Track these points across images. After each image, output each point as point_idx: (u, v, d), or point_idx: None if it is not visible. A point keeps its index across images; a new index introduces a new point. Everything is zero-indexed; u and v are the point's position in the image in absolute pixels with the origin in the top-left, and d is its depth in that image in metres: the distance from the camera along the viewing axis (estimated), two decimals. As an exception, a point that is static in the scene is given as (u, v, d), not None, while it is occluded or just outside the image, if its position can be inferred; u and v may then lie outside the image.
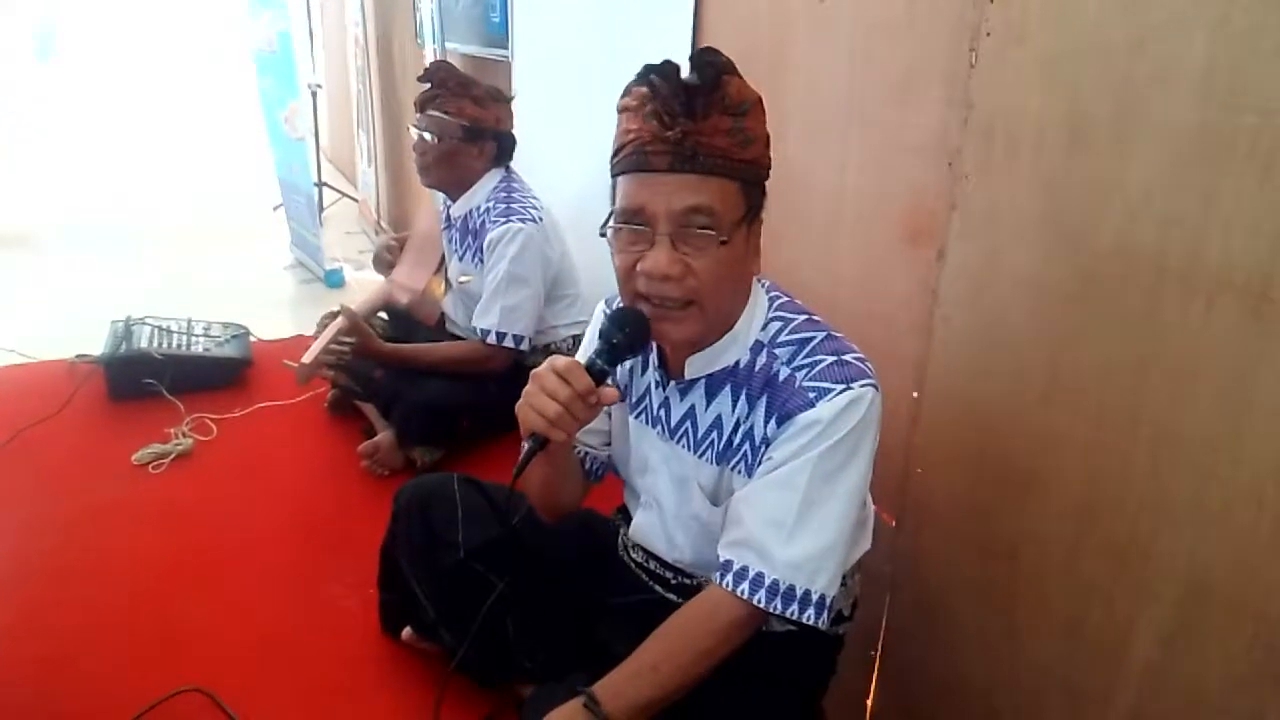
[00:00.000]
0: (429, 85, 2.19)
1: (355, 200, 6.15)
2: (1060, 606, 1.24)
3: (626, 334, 1.13)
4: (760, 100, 1.11)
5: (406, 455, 2.21)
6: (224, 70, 10.88)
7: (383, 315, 2.60)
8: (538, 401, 1.11)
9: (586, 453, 1.40)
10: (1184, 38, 1.00)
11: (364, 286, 4.06)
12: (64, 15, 13.81)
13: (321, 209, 5.77)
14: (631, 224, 1.09)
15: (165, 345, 2.64)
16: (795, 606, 1.11)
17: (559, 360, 1.13)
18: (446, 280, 2.45)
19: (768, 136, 1.14)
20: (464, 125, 2.18)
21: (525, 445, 1.13)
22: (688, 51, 2.03)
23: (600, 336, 1.15)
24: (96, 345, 2.68)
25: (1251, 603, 0.99)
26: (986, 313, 1.32)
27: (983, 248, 1.31)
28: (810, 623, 1.12)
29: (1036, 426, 1.25)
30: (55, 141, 7.93)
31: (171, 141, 8.41)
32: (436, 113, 2.17)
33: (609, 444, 1.40)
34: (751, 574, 1.12)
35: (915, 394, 1.47)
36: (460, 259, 2.32)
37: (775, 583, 1.11)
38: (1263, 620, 0.98)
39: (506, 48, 3.06)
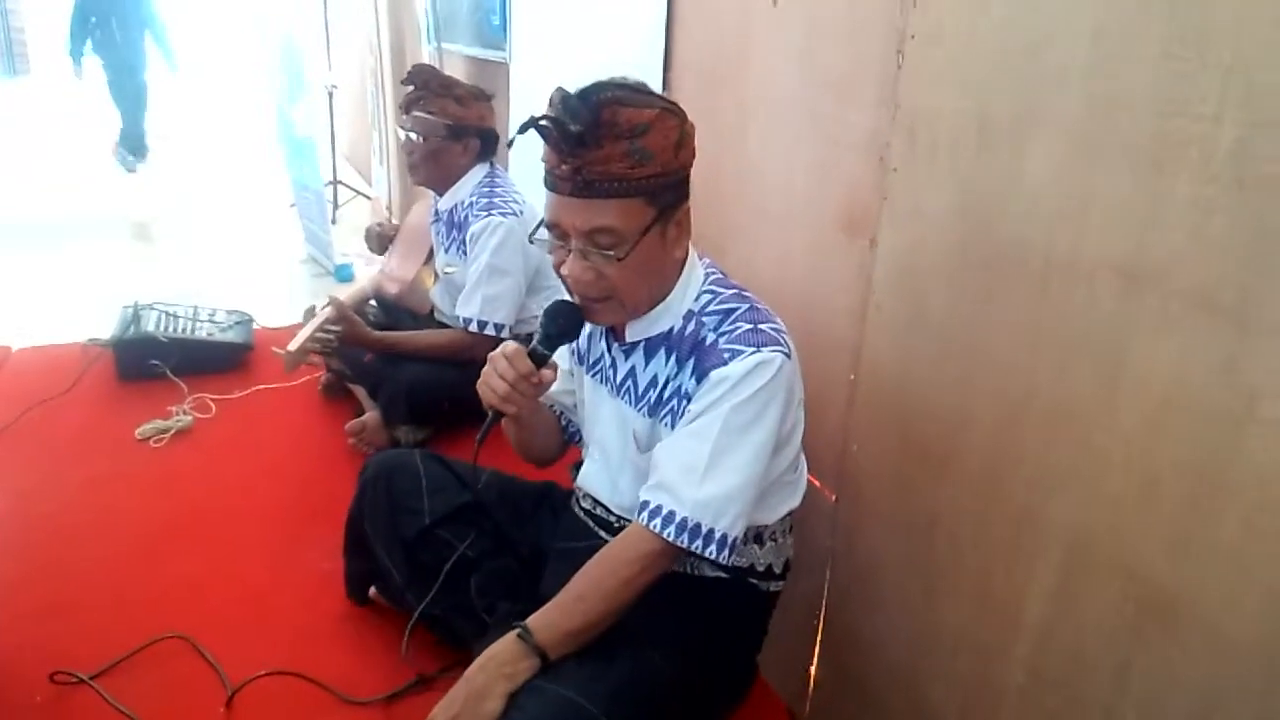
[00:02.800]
0: (412, 87, 2.30)
1: (369, 199, 6.30)
2: (971, 573, 1.33)
3: (559, 325, 1.31)
4: (661, 114, 1.23)
5: (391, 434, 2.32)
6: (244, 71, 11.10)
7: (373, 304, 2.72)
8: (491, 381, 1.29)
9: (565, 415, 1.58)
10: (1070, 45, 1.10)
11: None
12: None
13: (336, 206, 5.93)
14: (552, 236, 1.27)
15: (171, 329, 2.77)
16: (700, 542, 1.24)
17: (509, 346, 1.30)
18: (435, 271, 2.56)
19: (679, 142, 1.25)
20: (447, 124, 2.29)
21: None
22: (662, 54, 2.15)
23: (540, 327, 1.31)
24: (109, 331, 2.81)
25: (1122, 561, 1.08)
26: (912, 299, 1.41)
27: (908, 238, 1.41)
28: (713, 558, 1.25)
29: (952, 406, 1.34)
30: (79, 135, 8.14)
31: (193, 138, 8.61)
32: (421, 113, 2.28)
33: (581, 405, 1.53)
34: (664, 512, 1.25)
35: (852, 376, 1.56)
36: (446, 251, 2.44)
37: (684, 520, 1.24)
38: (1131, 577, 1.07)
39: (505, 49, 3.18)
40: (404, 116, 2.33)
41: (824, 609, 1.70)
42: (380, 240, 2.90)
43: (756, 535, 1.43)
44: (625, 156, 1.19)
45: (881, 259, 1.47)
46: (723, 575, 1.42)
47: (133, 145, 7.31)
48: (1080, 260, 1.10)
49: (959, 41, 1.26)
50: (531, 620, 1.24)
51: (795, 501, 1.46)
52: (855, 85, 1.49)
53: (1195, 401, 0.99)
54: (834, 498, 1.64)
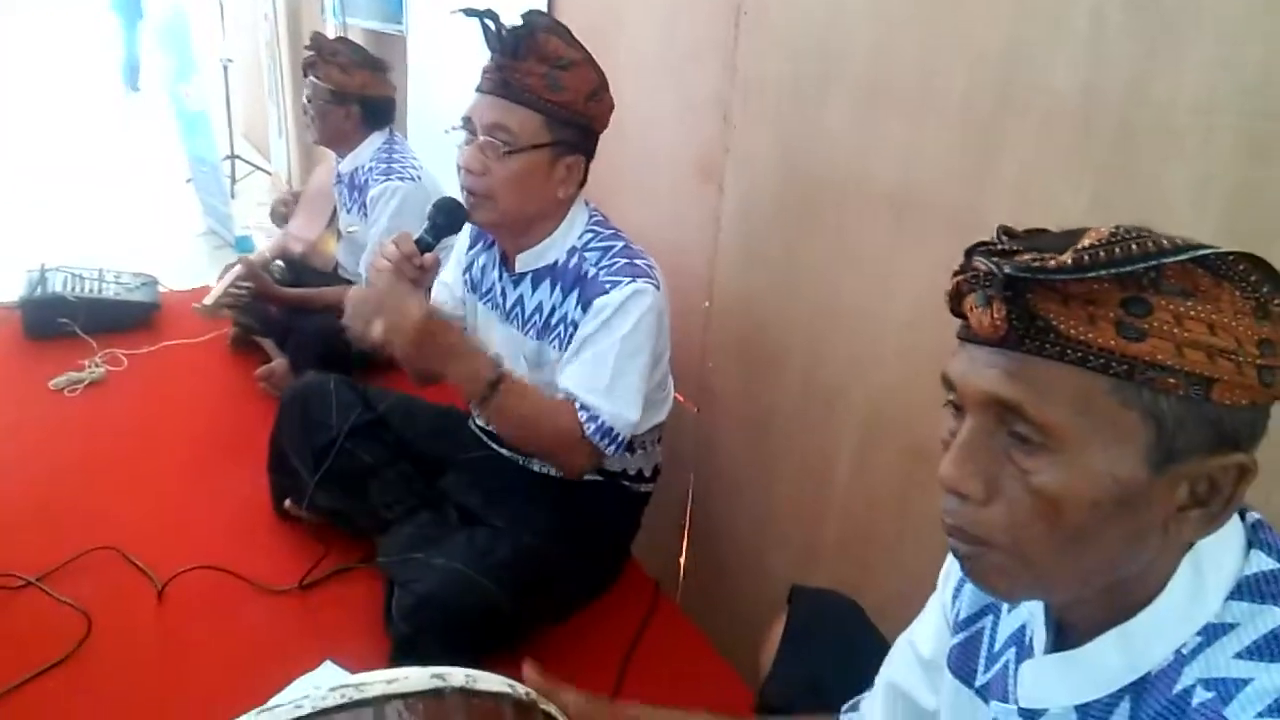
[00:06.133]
0: (309, 53, 2.48)
1: (269, 173, 6.30)
2: (795, 457, 1.62)
3: (445, 215, 1.50)
4: (586, 63, 1.46)
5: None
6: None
7: (279, 264, 2.87)
8: (376, 262, 1.46)
9: None
10: (857, 17, 1.38)
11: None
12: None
13: (234, 181, 5.93)
14: (465, 129, 1.49)
15: (78, 290, 2.86)
16: (606, 441, 1.46)
17: (398, 234, 1.48)
18: (338, 231, 2.73)
19: (593, 94, 1.47)
20: (330, 89, 2.47)
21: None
22: None
23: (427, 218, 1.50)
24: (12, 295, 2.88)
25: (900, 423, 1.38)
26: (749, 233, 1.69)
27: (745, 182, 1.68)
28: (611, 454, 1.49)
29: (779, 317, 1.62)
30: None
31: (81, 117, 8.37)
32: (310, 77, 2.47)
33: (466, 329, 1.73)
34: (590, 409, 1.46)
35: (706, 304, 1.83)
36: (349, 212, 2.61)
37: (604, 422, 1.46)
38: (906, 434, 1.37)
39: (402, 23, 3.34)
40: (305, 80, 2.50)
41: (690, 506, 1.98)
42: (285, 216, 3.05)
43: (629, 444, 1.68)
44: (543, 77, 1.42)
45: (727, 201, 1.74)
46: (598, 479, 1.66)
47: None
48: (866, 191, 1.39)
49: (781, 14, 1.53)
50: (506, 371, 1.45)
51: (661, 416, 1.69)
52: (704, 52, 1.75)
53: (940, 303, 1.28)
54: (696, 409, 1.91)
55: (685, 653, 1.63)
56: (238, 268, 2.44)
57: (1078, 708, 0.67)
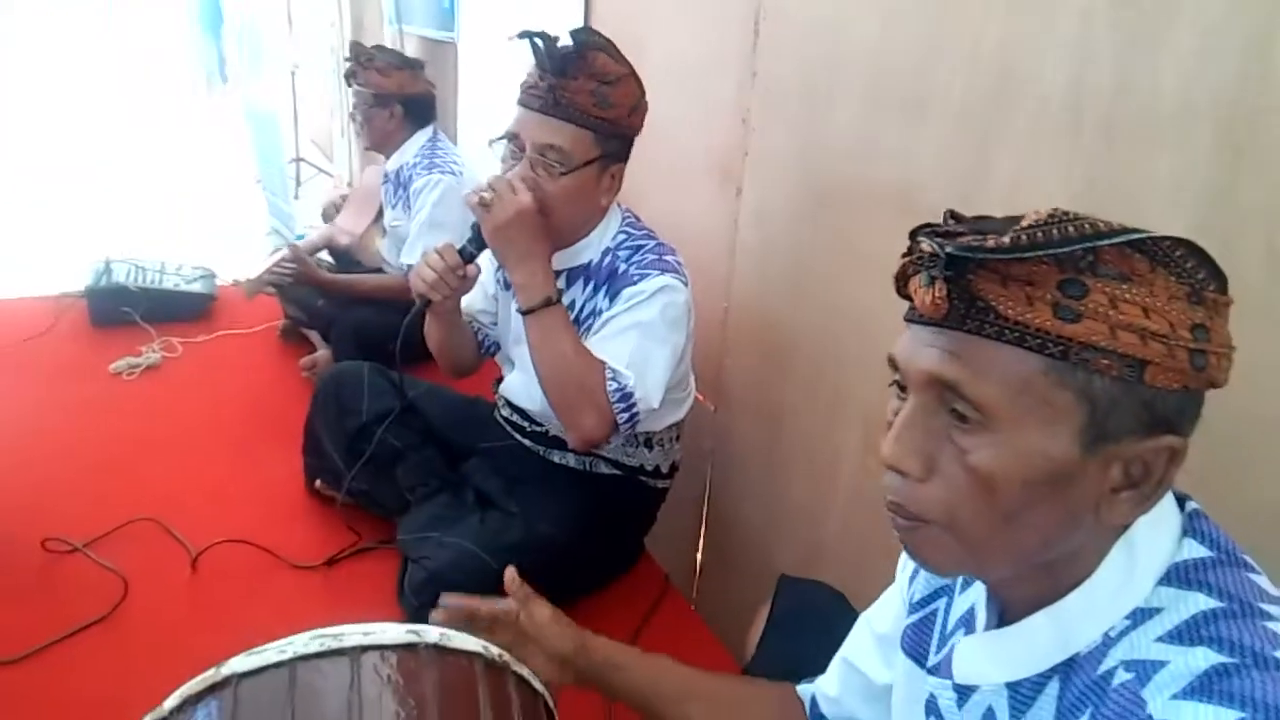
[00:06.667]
0: (349, 63, 2.60)
1: (331, 175, 6.51)
2: (804, 454, 1.65)
3: None
4: (631, 77, 1.51)
5: (341, 370, 2.60)
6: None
7: (329, 259, 2.99)
8: (422, 270, 1.53)
9: (480, 329, 1.80)
10: (863, 26, 1.41)
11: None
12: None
13: (299, 183, 6.15)
14: (510, 145, 1.52)
15: (140, 280, 3.02)
16: (626, 411, 1.48)
17: (441, 244, 1.54)
18: (383, 228, 2.84)
19: (635, 106, 1.52)
20: (373, 94, 2.59)
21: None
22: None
23: (470, 229, 1.55)
24: (80, 284, 3.05)
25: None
26: (765, 234, 1.73)
27: (762, 184, 1.72)
28: (623, 427, 1.51)
29: (790, 317, 1.66)
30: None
31: (163, 117, 8.74)
32: (354, 85, 2.59)
33: (496, 324, 1.80)
34: (611, 371, 1.48)
35: (725, 304, 1.87)
36: (393, 208, 2.71)
37: (624, 385, 1.47)
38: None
39: (453, 30, 3.45)
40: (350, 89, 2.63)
41: (706, 503, 2.01)
42: (336, 216, 3.20)
43: (646, 440, 1.72)
44: (591, 94, 1.46)
45: (744, 203, 1.77)
46: (617, 473, 1.71)
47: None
48: (873, 192, 1.42)
49: (798, 16, 1.57)
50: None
51: (679, 415, 1.73)
52: (726, 57, 1.79)
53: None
54: (713, 408, 1.95)
55: (689, 644, 1.66)
56: (284, 250, 2.58)
57: (1009, 685, 0.69)
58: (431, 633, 0.88)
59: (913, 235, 0.66)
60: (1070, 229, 0.57)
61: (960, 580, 0.80)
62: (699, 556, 2.05)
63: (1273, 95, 0.87)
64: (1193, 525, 0.65)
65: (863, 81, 1.42)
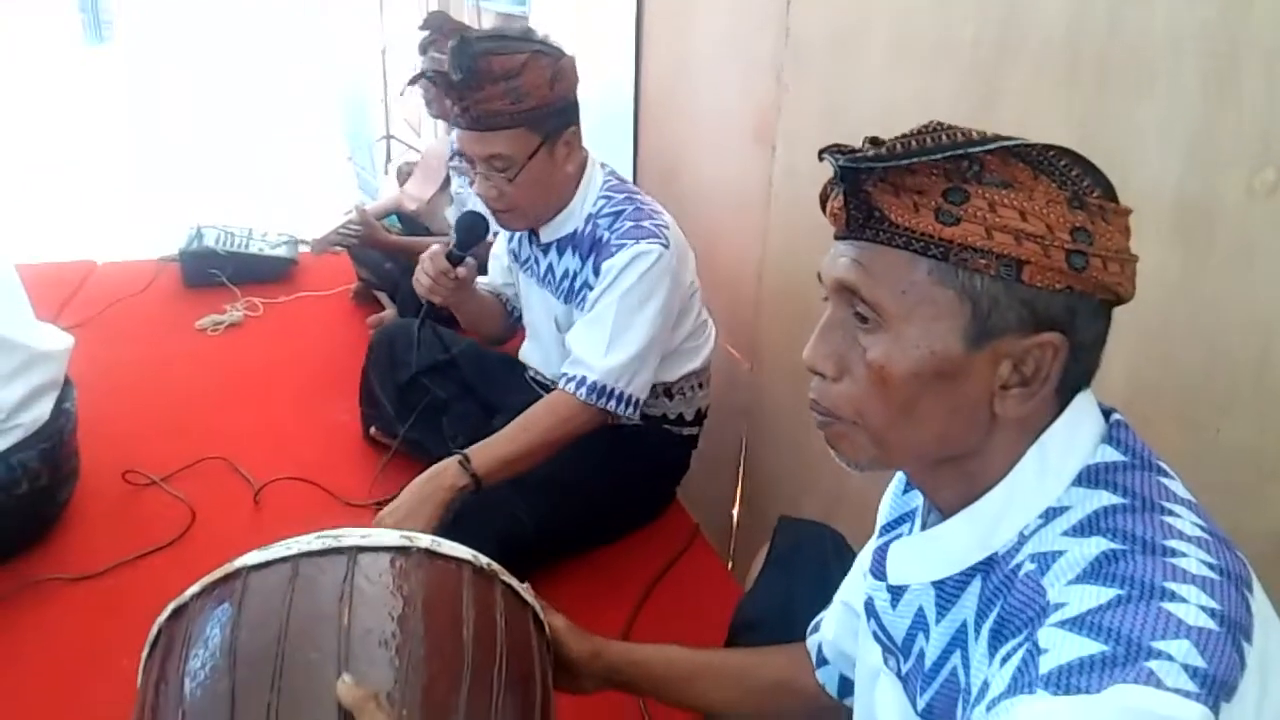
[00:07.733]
0: (425, 32, 2.64)
1: (419, 152, 6.72)
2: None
3: (466, 231, 1.68)
4: (532, 58, 1.52)
5: (408, 330, 2.73)
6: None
7: (398, 224, 3.13)
8: (419, 276, 1.67)
9: (510, 302, 1.92)
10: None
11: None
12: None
13: (389, 160, 6.38)
14: (464, 162, 1.64)
15: (228, 245, 3.21)
16: (608, 400, 1.55)
17: (432, 249, 1.67)
18: (450, 195, 2.96)
19: (553, 77, 1.54)
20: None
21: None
22: (633, 13, 2.43)
23: (454, 230, 1.68)
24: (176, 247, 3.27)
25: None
26: (798, 192, 1.74)
27: (794, 141, 1.73)
28: (620, 413, 1.57)
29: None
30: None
31: (259, 98, 9.17)
32: (430, 53, 2.62)
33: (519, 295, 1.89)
34: (578, 378, 1.57)
35: (760, 263, 1.89)
36: (460, 175, 2.82)
37: (594, 383, 1.55)
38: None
39: (525, 4, 3.53)
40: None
41: (742, 459, 2.05)
42: (407, 179, 3.33)
43: (665, 390, 1.76)
44: (503, 96, 1.49)
45: (778, 161, 1.79)
46: (640, 424, 1.76)
47: None
48: (892, 143, 1.42)
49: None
50: (472, 449, 1.49)
51: (696, 363, 1.78)
52: (763, 17, 1.80)
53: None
54: (749, 366, 1.98)
55: (711, 594, 1.70)
56: (352, 212, 2.72)
57: (935, 584, 0.73)
58: (424, 539, 0.95)
59: (820, 155, 0.70)
60: (943, 137, 0.61)
61: (923, 503, 0.83)
62: (735, 511, 2.09)
63: (1253, 32, 0.85)
64: (1112, 434, 0.67)
65: (886, 35, 1.42)
